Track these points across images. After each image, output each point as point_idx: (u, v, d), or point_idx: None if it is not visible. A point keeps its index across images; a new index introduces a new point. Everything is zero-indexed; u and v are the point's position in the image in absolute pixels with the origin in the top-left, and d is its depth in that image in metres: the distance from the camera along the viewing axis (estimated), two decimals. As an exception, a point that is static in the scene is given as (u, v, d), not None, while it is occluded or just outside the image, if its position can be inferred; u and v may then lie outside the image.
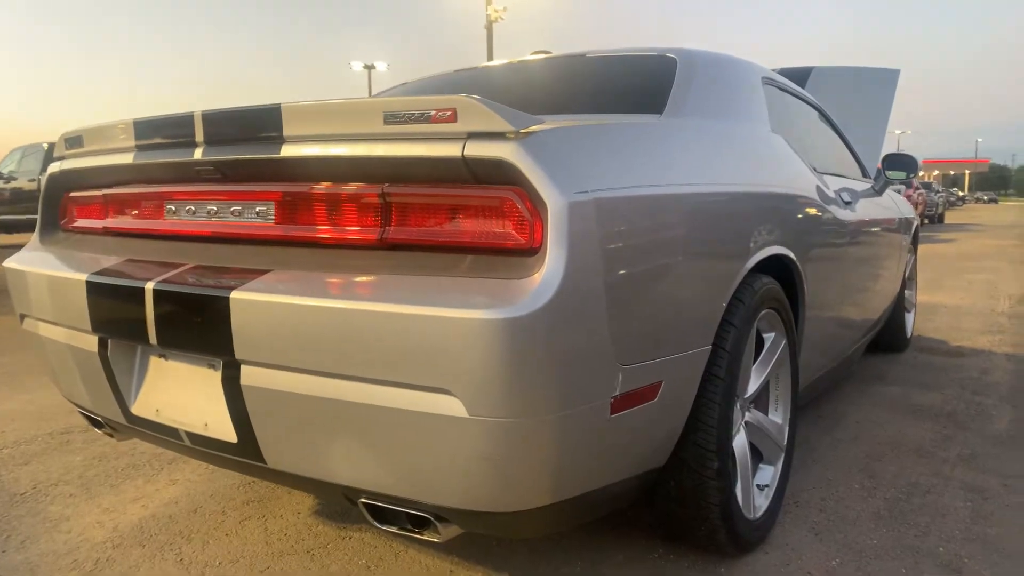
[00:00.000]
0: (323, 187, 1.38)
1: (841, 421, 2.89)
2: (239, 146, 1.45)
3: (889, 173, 3.57)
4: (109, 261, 1.68)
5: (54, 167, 1.89)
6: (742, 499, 1.75)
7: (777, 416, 2.04)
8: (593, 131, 1.40)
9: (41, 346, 1.84)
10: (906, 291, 4.12)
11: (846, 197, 2.65)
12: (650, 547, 1.84)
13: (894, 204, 3.65)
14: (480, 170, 1.22)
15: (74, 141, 1.81)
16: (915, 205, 18.52)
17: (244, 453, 1.46)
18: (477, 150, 1.20)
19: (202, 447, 1.53)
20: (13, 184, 10.99)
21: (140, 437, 1.75)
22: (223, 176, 1.52)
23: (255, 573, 1.75)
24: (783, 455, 2.01)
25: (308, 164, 1.39)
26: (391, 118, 1.26)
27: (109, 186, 1.78)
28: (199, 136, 1.50)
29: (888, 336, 3.99)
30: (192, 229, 1.58)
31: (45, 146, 11.11)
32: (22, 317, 1.89)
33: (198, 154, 1.51)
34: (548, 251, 1.18)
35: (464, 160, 1.21)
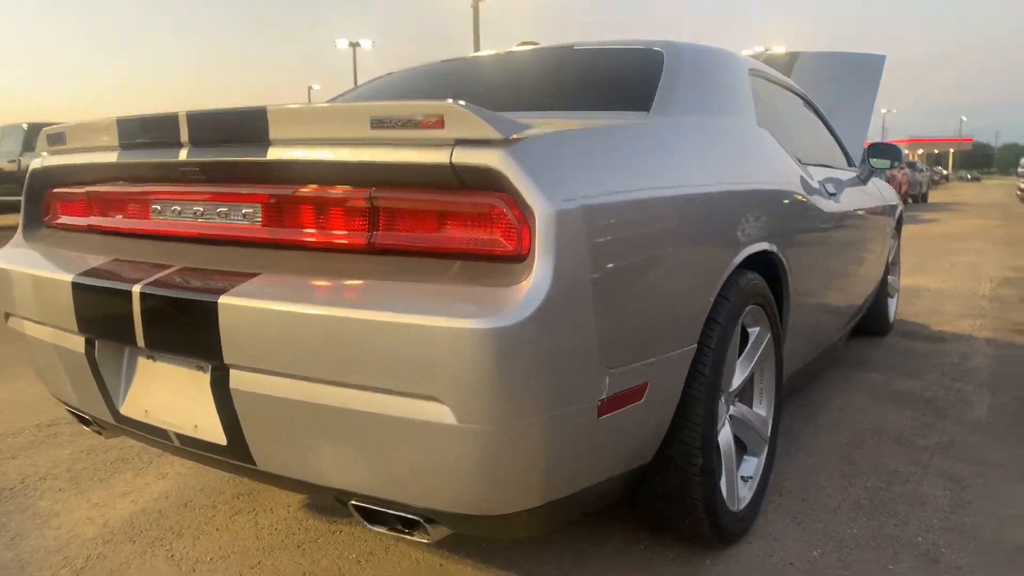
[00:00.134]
0: (310, 191, 1.37)
1: (823, 408, 2.94)
2: (225, 148, 1.44)
3: (873, 162, 3.60)
4: (95, 260, 1.67)
5: (36, 163, 1.87)
6: (726, 492, 1.78)
7: (761, 409, 2.07)
8: (580, 136, 1.40)
9: (27, 344, 1.83)
10: (889, 276, 4.18)
11: (831, 188, 2.67)
12: (636, 539, 1.87)
13: (878, 191, 3.68)
14: (468, 177, 1.22)
15: (56, 138, 1.79)
16: (898, 185, 18.60)
17: (234, 455, 1.47)
18: (465, 157, 1.20)
19: (192, 448, 1.54)
20: None
21: (129, 436, 1.76)
22: (209, 177, 1.51)
23: (246, 569, 1.77)
24: (767, 447, 2.04)
25: (295, 167, 1.38)
26: (378, 123, 1.25)
27: (93, 184, 1.76)
28: (184, 137, 1.49)
29: (871, 321, 4.04)
30: (178, 230, 1.57)
31: (25, 127, 10.95)
32: (7, 315, 1.88)
33: (183, 155, 1.50)
34: (536, 259, 1.19)
35: (452, 167, 1.21)
